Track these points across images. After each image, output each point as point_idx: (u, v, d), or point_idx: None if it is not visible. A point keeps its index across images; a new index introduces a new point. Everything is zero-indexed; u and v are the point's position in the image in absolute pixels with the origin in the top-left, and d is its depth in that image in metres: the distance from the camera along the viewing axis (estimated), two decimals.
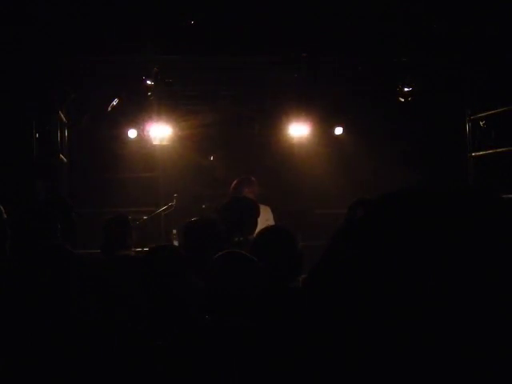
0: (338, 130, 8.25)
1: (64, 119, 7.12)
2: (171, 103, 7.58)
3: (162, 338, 2.22)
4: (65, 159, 7.14)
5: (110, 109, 7.16)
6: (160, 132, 7.72)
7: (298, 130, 8.07)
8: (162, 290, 2.39)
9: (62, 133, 7.08)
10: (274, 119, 8.00)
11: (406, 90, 7.12)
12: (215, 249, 2.79)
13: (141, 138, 7.80)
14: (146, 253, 2.57)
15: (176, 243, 6.50)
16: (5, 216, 2.91)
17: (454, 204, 0.66)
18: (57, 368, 2.20)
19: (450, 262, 0.63)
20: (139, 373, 2.13)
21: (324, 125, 8.11)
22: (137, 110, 7.58)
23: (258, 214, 3.82)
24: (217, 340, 2.20)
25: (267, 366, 2.08)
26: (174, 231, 6.60)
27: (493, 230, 0.63)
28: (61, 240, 3.06)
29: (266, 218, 5.21)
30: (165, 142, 7.78)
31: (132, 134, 7.75)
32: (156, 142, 7.77)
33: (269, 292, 2.41)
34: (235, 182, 5.44)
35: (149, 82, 6.78)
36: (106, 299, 2.54)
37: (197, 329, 2.25)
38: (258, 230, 3.60)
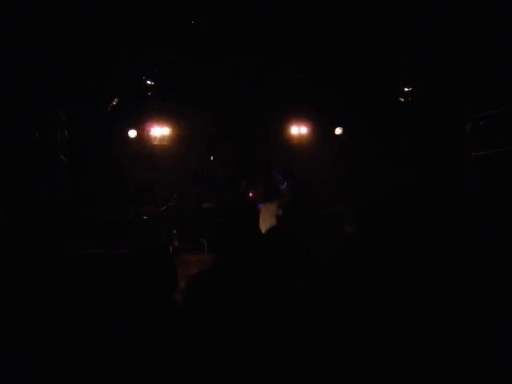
0: (338, 130, 8.26)
1: (64, 119, 7.12)
2: (171, 103, 7.58)
3: (157, 336, 2.22)
4: (65, 159, 7.14)
5: (110, 109, 7.16)
6: (160, 132, 7.74)
7: (298, 130, 8.09)
8: (151, 289, 2.39)
9: (62, 133, 7.09)
10: (274, 119, 8.01)
11: (405, 90, 7.12)
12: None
13: (141, 137, 7.81)
14: (135, 252, 2.55)
15: (176, 243, 6.52)
16: None
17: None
18: (56, 367, 2.20)
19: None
20: (136, 371, 2.13)
21: (324, 125, 8.12)
22: (137, 110, 7.59)
23: (253, 217, 3.78)
24: (214, 341, 2.20)
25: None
26: (174, 231, 6.61)
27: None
28: (61, 240, 3.06)
29: (273, 214, 5.31)
30: (165, 142, 7.80)
31: (132, 133, 7.76)
32: (156, 142, 7.78)
33: (278, 290, 2.41)
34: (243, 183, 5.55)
35: (149, 82, 6.79)
36: (105, 298, 2.55)
37: (191, 327, 2.26)
38: (264, 226, 3.62)
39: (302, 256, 2.51)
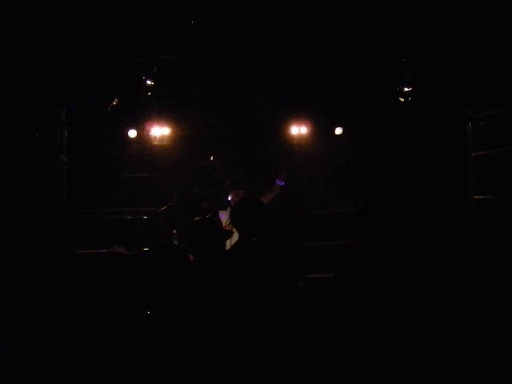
0: (338, 130, 8.25)
1: (64, 119, 7.12)
2: (171, 103, 7.57)
3: (163, 334, 2.22)
4: (65, 159, 7.14)
5: (110, 109, 7.15)
6: (160, 132, 7.73)
7: (298, 130, 8.08)
8: (163, 288, 2.39)
9: (62, 133, 7.08)
10: (274, 119, 8.00)
11: (405, 90, 7.11)
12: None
13: (141, 137, 7.81)
14: (147, 252, 2.57)
15: (176, 243, 6.51)
16: None
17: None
18: (57, 366, 2.20)
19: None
20: (138, 370, 2.13)
21: (324, 125, 8.12)
22: (137, 110, 7.58)
23: (266, 215, 3.86)
24: (221, 344, 2.20)
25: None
26: (174, 231, 6.61)
27: None
28: (61, 240, 3.06)
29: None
30: (165, 142, 7.79)
31: (132, 133, 7.75)
32: (156, 142, 7.78)
33: (276, 292, 2.41)
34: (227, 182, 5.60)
35: (149, 82, 6.78)
36: (105, 298, 2.55)
37: (199, 327, 2.26)
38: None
39: (299, 256, 2.51)
